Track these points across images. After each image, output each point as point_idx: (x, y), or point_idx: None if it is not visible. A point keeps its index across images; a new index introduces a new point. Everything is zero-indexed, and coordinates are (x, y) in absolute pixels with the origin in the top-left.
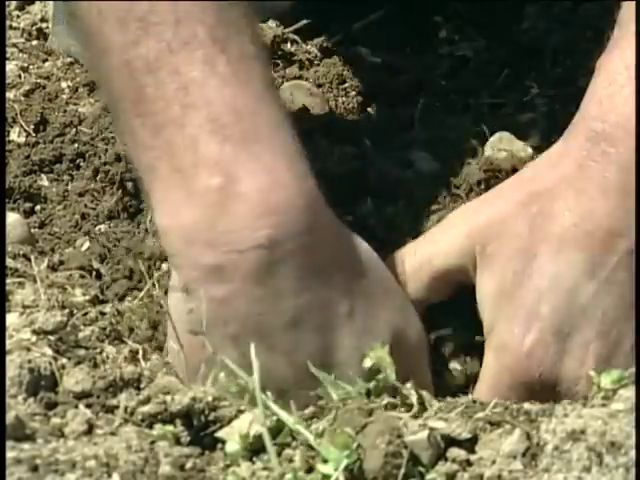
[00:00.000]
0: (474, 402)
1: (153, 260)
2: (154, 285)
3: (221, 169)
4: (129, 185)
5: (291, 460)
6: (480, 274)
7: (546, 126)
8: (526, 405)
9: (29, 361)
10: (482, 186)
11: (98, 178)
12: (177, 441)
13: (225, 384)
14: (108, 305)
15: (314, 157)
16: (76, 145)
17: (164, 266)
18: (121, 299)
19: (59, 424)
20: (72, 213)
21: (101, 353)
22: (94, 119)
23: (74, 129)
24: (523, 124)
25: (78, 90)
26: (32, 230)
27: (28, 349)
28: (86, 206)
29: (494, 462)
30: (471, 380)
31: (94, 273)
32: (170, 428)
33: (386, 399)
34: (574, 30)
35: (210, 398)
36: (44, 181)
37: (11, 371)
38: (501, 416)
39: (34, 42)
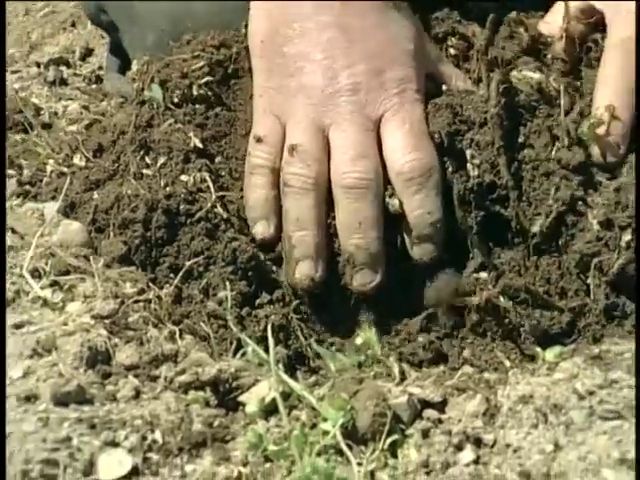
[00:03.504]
0: (444, 372)
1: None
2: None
3: None
4: None
5: (298, 419)
6: None
7: None
8: (485, 374)
9: (88, 340)
10: None
11: None
12: (207, 404)
13: (251, 358)
14: (152, 295)
15: None
16: None
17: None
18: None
19: (112, 391)
20: None
21: (146, 334)
22: None
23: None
24: None
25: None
26: (91, 235)
27: (87, 330)
28: None
29: (460, 420)
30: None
31: (140, 269)
32: (201, 394)
33: (374, 370)
34: None
35: (233, 369)
36: (98, 196)
37: (74, 348)
38: (466, 384)
39: (93, 86)
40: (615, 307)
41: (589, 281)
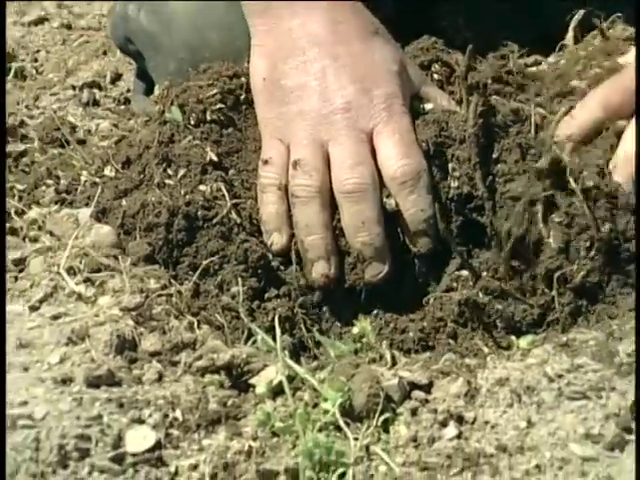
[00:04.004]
0: (430, 358)
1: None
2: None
3: None
4: None
5: (302, 399)
6: None
7: None
8: (466, 360)
9: (117, 330)
10: None
11: None
12: (221, 386)
13: (260, 345)
14: (173, 290)
15: None
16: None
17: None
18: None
19: (138, 374)
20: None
21: (168, 324)
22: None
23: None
24: None
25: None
26: (120, 237)
27: (116, 321)
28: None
29: (444, 400)
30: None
31: (163, 267)
32: (216, 377)
33: (368, 356)
34: None
35: (244, 355)
36: (126, 203)
37: (105, 337)
38: (449, 368)
39: (121, 106)
40: (579, 308)
41: (553, 293)
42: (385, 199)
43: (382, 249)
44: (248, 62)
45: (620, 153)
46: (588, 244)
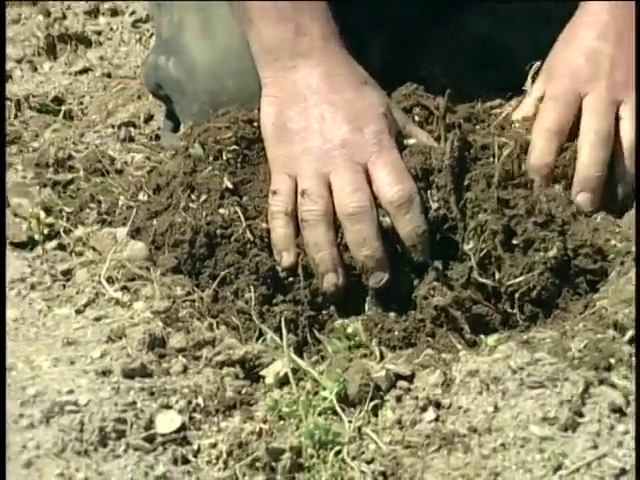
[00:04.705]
0: (412, 353)
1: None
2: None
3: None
4: None
5: (304, 388)
6: None
7: None
8: (443, 355)
9: (149, 329)
10: None
11: None
12: (236, 377)
13: (269, 343)
14: (196, 296)
15: None
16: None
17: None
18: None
19: (166, 367)
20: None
21: (192, 325)
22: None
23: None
24: None
25: (179, 171)
26: (151, 252)
27: (148, 322)
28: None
29: (424, 389)
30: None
31: (187, 277)
32: (232, 369)
33: (360, 352)
34: None
35: (256, 351)
36: (157, 223)
37: (139, 335)
38: (428, 362)
39: (153, 142)
40: (537, 314)
41: (515, 304)
42: (381, 218)
43: (382, 260)
44: (259, 109)
45: (577, 176)
46: (543, 262)
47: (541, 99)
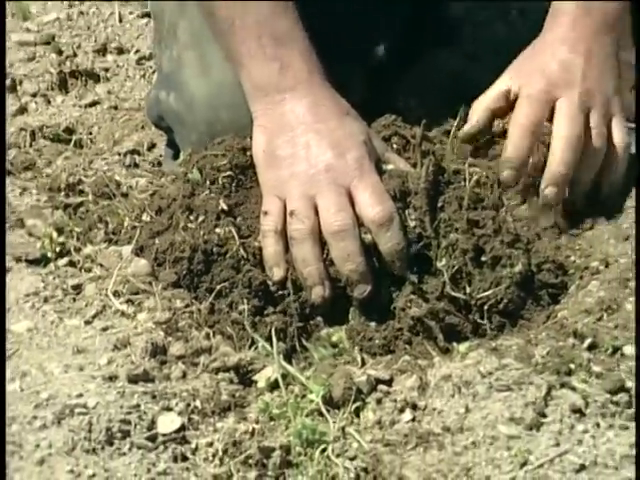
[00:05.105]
0: (391, 359)
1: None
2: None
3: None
4: None
5: (293, 392)
6: None
7: None
8: (419, 361)
9: (151, 338)
10: None
11: None
12: (231, 382)
13: (261, 350)
14: (194, 308)
15: None
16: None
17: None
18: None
19: (167, 373)
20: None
21: (190, 334)
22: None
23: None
24: None
25: (179, 194)
26: (153, 268)
27: (151, 332)
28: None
29: (402, 392)
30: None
31: (187, 291)
32: (227, 375)
33: (344, 358)
34: None
35: (249, 358)
36: (158, 242)
37: (142, 344)
38: (406, 367)
39: (155, 168)
40: (504, 324)
41: (484, 315)
42: (363, 235)
43: (365, 273)
44: (251, 137)
45: (547, 172)
46: (509, 277)
47: (507, 93)
